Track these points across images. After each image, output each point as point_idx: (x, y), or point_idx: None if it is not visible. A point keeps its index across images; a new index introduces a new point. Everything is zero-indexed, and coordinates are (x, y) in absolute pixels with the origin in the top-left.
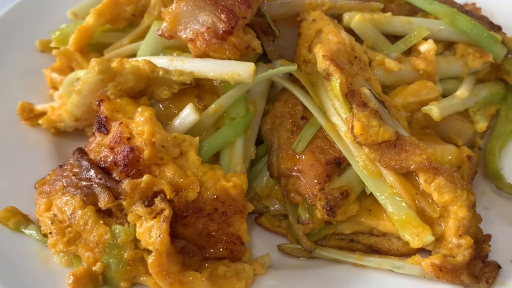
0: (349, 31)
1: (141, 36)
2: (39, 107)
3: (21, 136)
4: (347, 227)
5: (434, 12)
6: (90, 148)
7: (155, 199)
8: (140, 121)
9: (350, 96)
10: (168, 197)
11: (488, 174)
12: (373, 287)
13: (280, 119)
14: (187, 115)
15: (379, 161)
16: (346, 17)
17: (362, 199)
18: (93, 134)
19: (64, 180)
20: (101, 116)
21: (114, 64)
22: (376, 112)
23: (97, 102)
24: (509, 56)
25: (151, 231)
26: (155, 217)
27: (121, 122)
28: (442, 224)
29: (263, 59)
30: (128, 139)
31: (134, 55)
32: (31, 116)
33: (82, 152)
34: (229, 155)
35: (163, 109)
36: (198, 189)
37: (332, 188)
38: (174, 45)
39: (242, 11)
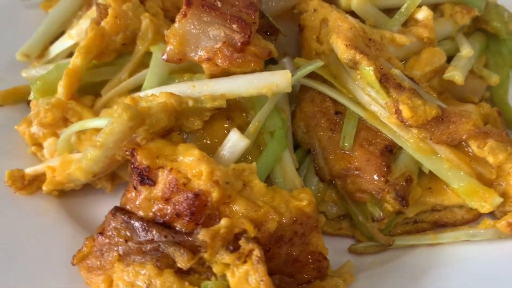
0: (348, 13)
1: (140, 66)
2: (28, 170)
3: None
4: (411, 211)
5: None
6: (136, 204)
7: (239, 241)
8: (191, 162)
9: (385, 80)
10: (252, 235)
11: (508, 124)
12: (466, 260)
13: (313, 120)
14: (236, 142)
15: (430, 139)
16: (342, 1)
17: (420, 179)
18: (134, 188)
19: (117, 249)
20: (140, 167)
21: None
22: (414, 91)
23: (129, 152)
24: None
25: (248, 277)
26: (245, 261)
27: (171, 168)
28: (502, 183)
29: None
30: (185, 184)
31: (136, 89)
32: (26, 184)
33: (125, 211)
34: (282, 171)
35: (197, 141)
36: (277, 217)
37: (395, 177)
38: (179, 68)
39: (251, 17)
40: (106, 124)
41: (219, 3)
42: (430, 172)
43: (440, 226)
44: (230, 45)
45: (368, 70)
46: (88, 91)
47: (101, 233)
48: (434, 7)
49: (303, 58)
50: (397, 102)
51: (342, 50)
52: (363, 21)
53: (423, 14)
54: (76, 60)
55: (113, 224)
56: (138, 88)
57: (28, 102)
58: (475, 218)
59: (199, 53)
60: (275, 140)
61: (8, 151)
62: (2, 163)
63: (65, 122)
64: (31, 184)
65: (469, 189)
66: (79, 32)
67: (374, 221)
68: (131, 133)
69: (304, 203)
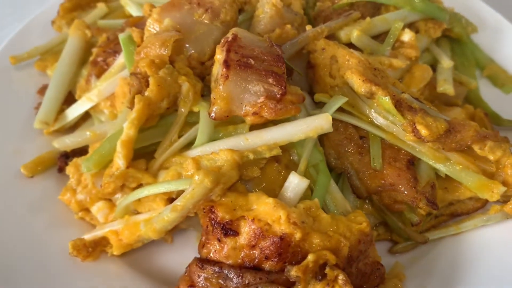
0: (348, 45)
1: (185, 126)
2: (88, 237)
3: None
4: None
5: (395, 3)
6: (223, 255)
7: (325, 270)
8: (268, 209)
9: (399, 105)
10: (333, 262)
11: (490, 118)
12: (488, 240)
13: (342, 146)
14: (298, 183)
15: (443, 148)
16: (342, 34)
17: (437, 181)
18: (218, 240)
19: None
20: (223, 222)
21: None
22: (424, 111)
23: (208, 210)
24: None
25: None
26: (333, 286)
27: (253, 218)
28: (502, 174)
29: None
30: (267, 230)
31: (185, 147)
32: (90, 251)
33: (213, 262)
34: (333, 199)
35: (257, 187)
36: (347, 243)
37: (423, 186)
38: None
39: (280, 68)
40: (187, 189)
41: (252, 60)
42: (445, 174)
43: (455, 216)
44: (271, 98)
45: (385, 99)
46: (138, 155)
47: (192, 286)
48: (410, 25)
49: (318, 92)
50: (413, 123)
51: (359, 84)
52: (361, 51)
53: (408, 36)
54: (129, 131)
55: (204, 275)
56: (186, 147)
57: (60, 169)
58: (483, 205)
59: (244, 108)
60: (321, 173)
61: (56, 221)
62: (56, 235)
63: (122, 188)
64: (94, 250)
65: (478, 184)
66: (99, 94)
67: (413, 226)
68: (209, 193)
69: (363, 225)
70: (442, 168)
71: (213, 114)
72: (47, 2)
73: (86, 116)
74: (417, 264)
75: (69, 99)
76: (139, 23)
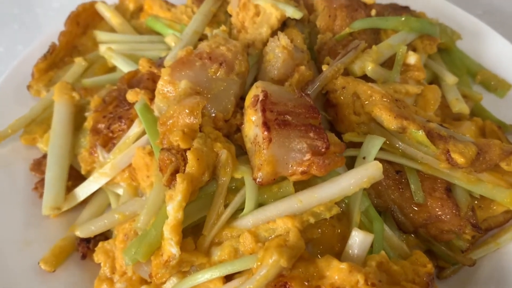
0: (361, 77)
1: (228, 195)
2: None
3: None
4: None
5: (394, 27)
6: None
7: None
8: (343, 274)
9: (430, 136)
10: None
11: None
12: None
13: (381, 185)
14: (363, 239)
15: (475, 171)
16: (356, 68)
17: (472, 202)
18: None
19: None
20: None
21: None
22: (452, 137)
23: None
24: None
25: None
26: None
27: None
28: None
29: None
30: None
31: (233, 217)
32: None
33: None
34: (390, 244)
35: (317, 248)
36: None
37: (465, 212)
38: None
39: (317, 119)
40: (259, 271)
41: (288, 117)
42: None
43: (489, 230)
44: (317, 153)
45: (418, 133)
46: (183, 234)
47: None
48: (408, 46)
49: (343, 130)
50: (446, 151)
51: (389, 121)
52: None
53: (413, 58)
54: (177, 215)
55: None
56: (235, 215)
57: (83, 256)
58: (511, 217)
59: (290, 168)
60: (375, 220)
61: None
62: None
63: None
64: None
65: (510, 198)
66: (113, 168)
67: (463, 252)
68: (282, 271)
69: (429, 267)
70: (476, 189)
71: (259, 179)
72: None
73: None
74: (469, 286)
75: (72, 173)
76: (134, 80)
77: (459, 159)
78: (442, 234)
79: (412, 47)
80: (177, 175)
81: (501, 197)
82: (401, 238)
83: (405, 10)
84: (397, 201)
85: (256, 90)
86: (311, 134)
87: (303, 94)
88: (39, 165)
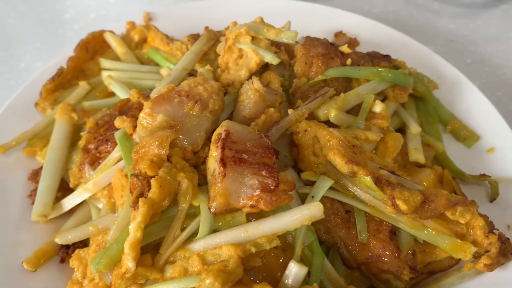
0: (326, 122)
1: (186, 219)
2: None
3: None
4: None
5: (365, 76)
6: None
7: None
8: None
9: (378, 182)
10: None
11: (453, 174)
12: None
13: (330, 222)
14: (298, 272)
15: (420, 217)
16: (320, 113)
17: (416, 245)
18: None
19: None
20: None
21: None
22: (400, 185)
23: None
24: None
25: None
26: None
27: None
28: (471, 233)
29: None
30: None
31: (189, 239)
32: None
33: None
34: (328, 278)
35: (258, 275)
36: None
37: (405, 254)
38: None
39: (271, 159)
40: None
41: (245, 155)
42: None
43: (433, 274)
44: (266, 190)
45: (366, 179)
46: (142, 250)
47: None
48: (379, 93)
49: (303, 168)
50: (392, 197)
51: (341, 165)
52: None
53: (379, 107)
54: (136, 234)
55: None
56: (189, 239)
57: (62, 260)
58: (457, 262)
59: (241, 201)
60: (316, 254)
61: None
62: None
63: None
64: None
65: (452, 246)
66: (95, 185)
67: None
68: None
69: None
70: (420, 235)
71: (213, 209)
72: (17, 73)
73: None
74: None
75: (62, 185)
76: (125, 107)
77: (403, 206)
78: (381, 273)
79: (383, 95)
80: (140, 199)
81: (444, 244)
82: (346, 272)
83: (385, 58)
84: (343, 238)
85: (220, 129)
86: (264, 172)
87: (263, 136)
88: (35, 175)
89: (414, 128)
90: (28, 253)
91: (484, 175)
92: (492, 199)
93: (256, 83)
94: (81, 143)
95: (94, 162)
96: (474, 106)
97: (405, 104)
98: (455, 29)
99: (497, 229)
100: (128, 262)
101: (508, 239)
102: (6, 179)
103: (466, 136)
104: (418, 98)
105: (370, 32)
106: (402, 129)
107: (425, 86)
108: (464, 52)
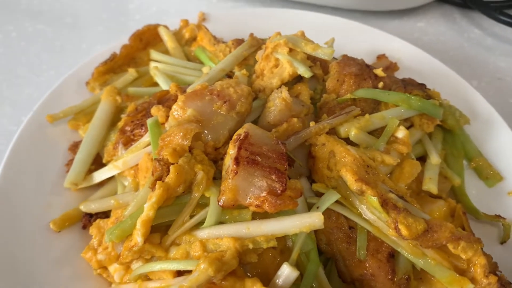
0: (345, 139)
1: (196, 207)
2: None
3: None
4: None
5: (394, 101)
6: None
7: None
8: None
9: (385, 204)
10: None
11: (467, 210)
12: None
13: (332, 235)
14: (289, 274)
15: (420, 245)
16: (341, 130)
17: (414, 271)
18: None
19: None
20: None
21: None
22: (406, 210)
23: None
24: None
25: None
26: None
27: None
28: (472, 270)
29: None
30: None
31: (196, 226)
32: None
33: None
34: (319, 285)
35: (253, 271)
36: None
37: (399, 278)
38: None
39: (283, 166)
40: (193, 273)
41: (259, 158)
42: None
43: None
44: (273, 193)
45: (373, 199)
46: (153, 229)
47: None
48: (406, 119)
49: (316, 180)
50: (395, 221)
51: (351, 182)
52: (357, 145)
53: (402, 133)
54: (149, 213)
55: None
56: (196, 226)
57: (84, 226)
58: None
59: (248, 200)
60: (311, 262)
61: (78, 275)
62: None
63: (138, 257)
64: None
65: (450, 279)
66: (124, 164)
67: None
68: (211, 279)
69: None
70: (418, 262)
71: (221, 202)
72: (78, 52)
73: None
74: None
75: (97, 159)
76: (164, 98)
77: (404, 231)
78: None
79: (410, 122)
80: (158, 182)
81: (441, 276)
82: (340, 285)
83: (419, 87)
84: (342, 252)
85: (241, 130)
86: (273, 176)
87: (280, 142)
88: (75, 147)
89: (434, 158)
90: (56, 215)
91: (499, 216)
92: (502, 241)
93: (284, 92)
94: (120, 124)
95: (128, 143)
96: (503, 146)
97: (432, 134)
98: (504, 68)
99: (500, 271)
100: (138, 237)
101: (510, 283)
102: (49, 147)
103: (489, 175)
104: (447, 131)
105: (412, 59)
106: (423, 158)
107: (456, 119)
108: (509, 91)
